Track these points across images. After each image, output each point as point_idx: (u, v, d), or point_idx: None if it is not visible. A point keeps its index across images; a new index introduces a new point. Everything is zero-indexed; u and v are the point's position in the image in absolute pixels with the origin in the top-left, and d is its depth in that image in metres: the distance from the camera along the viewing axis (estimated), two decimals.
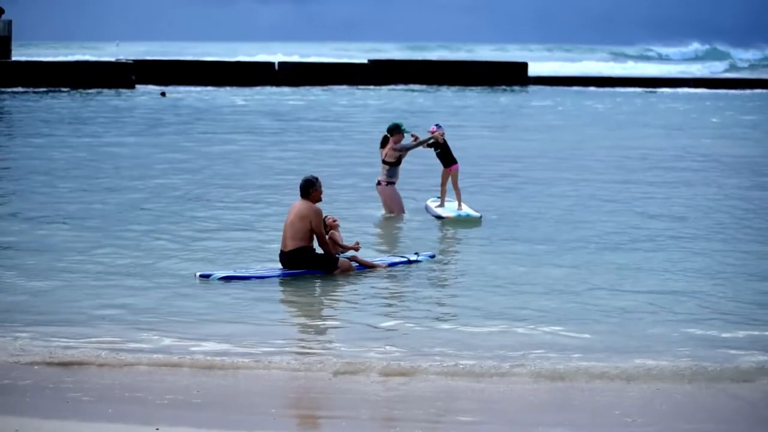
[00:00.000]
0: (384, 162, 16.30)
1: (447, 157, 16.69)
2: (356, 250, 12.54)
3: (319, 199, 12.20)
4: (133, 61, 53.77)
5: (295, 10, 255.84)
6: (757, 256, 13.80)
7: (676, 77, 64.13)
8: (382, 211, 16.45)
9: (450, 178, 16.69)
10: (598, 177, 21.46)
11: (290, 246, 12.02)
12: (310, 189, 12.11)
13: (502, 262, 13.16)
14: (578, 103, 46.71)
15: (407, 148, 16.38)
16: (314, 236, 12.11)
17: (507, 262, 13.11)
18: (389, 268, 12.56)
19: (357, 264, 12.43)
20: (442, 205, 16.74)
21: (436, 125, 16.79)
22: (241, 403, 8.04)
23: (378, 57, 66.80)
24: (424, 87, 54.86)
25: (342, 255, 12.43)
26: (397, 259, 12.91)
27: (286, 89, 52.12)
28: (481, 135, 29.79)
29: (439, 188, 16.87)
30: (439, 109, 40.75)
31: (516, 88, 55.82)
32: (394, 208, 16.37)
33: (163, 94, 46.35)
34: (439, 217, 16.28)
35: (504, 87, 56.14)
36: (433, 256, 13.20)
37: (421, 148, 16.79)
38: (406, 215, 16.40)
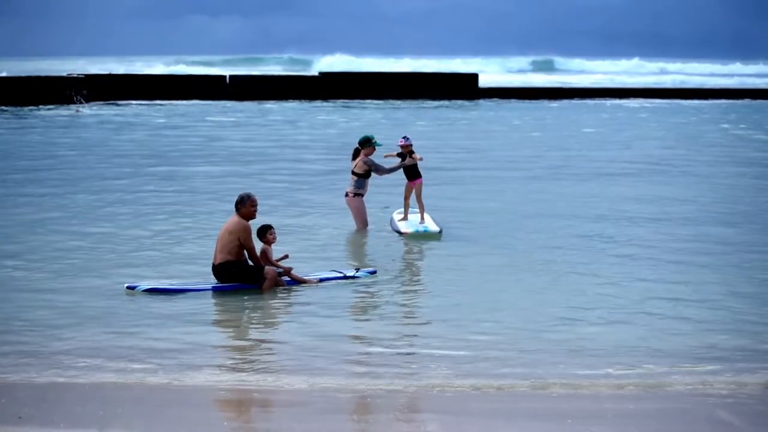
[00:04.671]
0: (353, 173, 16.25)
1: (412, 171, 16.61)
2: (286, 259, 12.84)
3: (251, 216, 12.47)
4: (84, 75, 53.19)
5: (247, 23, 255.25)
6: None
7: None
8: (354, 224, 16.43)
9: (414, 192, 16.63)
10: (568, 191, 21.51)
11: (219, 259, 12.35)
12: (239, 205, 12.46)
13: (450, 277, 13.16)
14: (539, 118, 46.84)
15: (383, 171, 16.21)
16: (245, 251, 12.39)
17: (456, 278, 13.11)
18: (320, 283, 12.60)
19: (288, 279, 12.57)
20: (405, 218, 16.71)
21: (404, 138, 16.66)
22: (193, 415, 7.97)
23: (329, 70, 66.79)
24: (370, 102, 54.81)
25: (279, 273, 12.55)
26: (333, 275, 12.86)
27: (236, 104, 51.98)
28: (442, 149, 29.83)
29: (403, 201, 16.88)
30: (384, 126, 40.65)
31: (466, 102, 55.70)
32: (358, 221, 16.34)
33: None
34: (399, 232, 16.21)
35: (455, 100, 56.21)
36: (374, 272, 13.13)
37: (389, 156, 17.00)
38: (370, 228, 16.37)
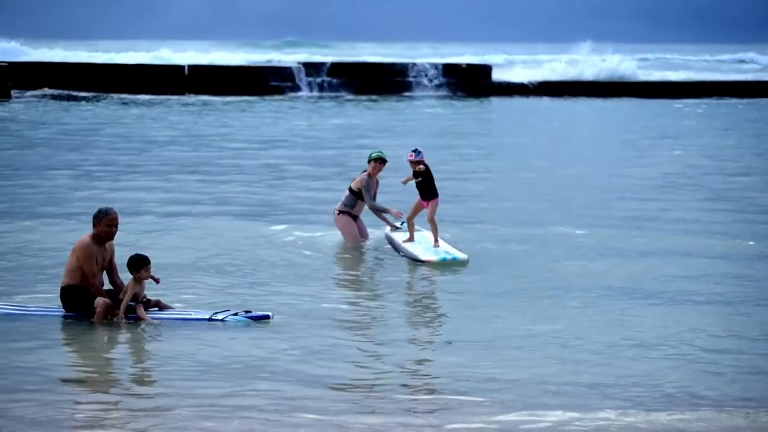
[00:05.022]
0: (349, 188, 17.25)
1: (428, 189, 16.67)
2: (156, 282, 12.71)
3: (106, 236, 12.46)
4: (8, 63, 53.07)
5: (210, 2, 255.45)
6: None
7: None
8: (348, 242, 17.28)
9: (428, 211, 16.59)
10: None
11: (62, 282, 12.52)
12: (94, 220, 12.49)
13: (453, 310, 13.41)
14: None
15: (368, 204, 17.12)
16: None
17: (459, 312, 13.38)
18: (155, 322, 12.39)
19: (131, 315, 12.42)
20: (411, 239, 16.76)
21: (414, 151, 16.71)
22: None
23: (311, 60, 67.08)
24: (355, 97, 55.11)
25: (145, 305, 12.56)
26: (193, 316, 12.58)
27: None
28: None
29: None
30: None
31: (472, 101, 55.86)
32: (346, 239, 17.24)
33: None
34: (417, 260, 16.17)
35: (460, 95, 56.52)
36: (266, 317, 12.58)
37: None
38: (364, 244, 17.22)
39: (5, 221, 18.89)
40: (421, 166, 16.55)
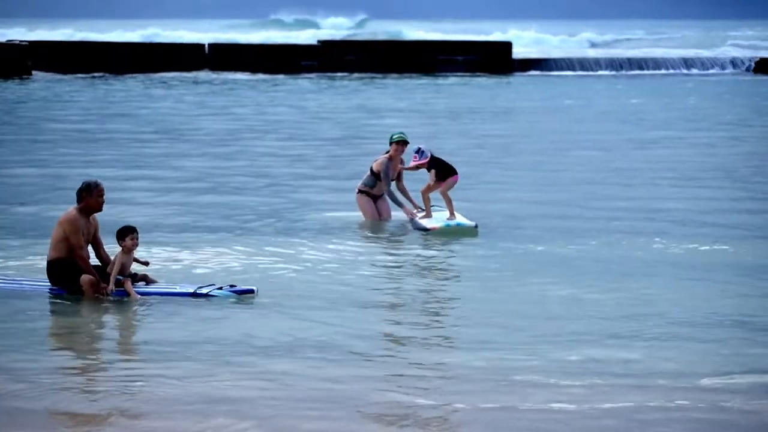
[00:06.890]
0: (371, 168, 17.09)
1: (445, 170, 16.52)
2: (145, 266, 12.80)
3: (96, 207, 12.65)
4: (29, 42, 53.42)
5: None
6: None
7: None
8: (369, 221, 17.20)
9: (442, 186, 16.49)
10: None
11: (48, 256, 12.60)
12: (83, 194, 12.56)
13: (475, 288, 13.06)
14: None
15: (386, 189, 16.89)
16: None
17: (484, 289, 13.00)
18: (142, 298, 12.37)
19: (119, 289, 12.45)
20: (428, 215, 16.73)
21: (417, 152, 16.56)
22: None
23: (332, 37, 66.82)
24: (380, 75, 54.75)
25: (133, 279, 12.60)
26: (178, 290, 12.55)
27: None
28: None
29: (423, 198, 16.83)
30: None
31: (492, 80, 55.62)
32: (364, 216, 17.18)
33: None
34: (424, 230, 16.31)
35: (484, 74, 56.27)
36: (251, 292, 12.51)
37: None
38: (384, 223, 17.07)
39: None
40: (426, 163, 16.49)
